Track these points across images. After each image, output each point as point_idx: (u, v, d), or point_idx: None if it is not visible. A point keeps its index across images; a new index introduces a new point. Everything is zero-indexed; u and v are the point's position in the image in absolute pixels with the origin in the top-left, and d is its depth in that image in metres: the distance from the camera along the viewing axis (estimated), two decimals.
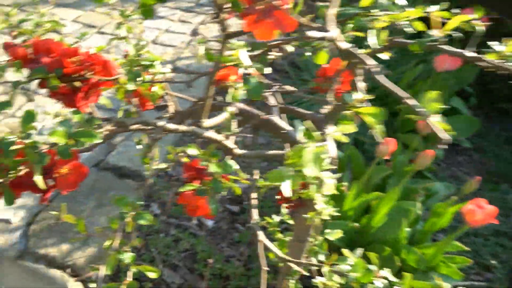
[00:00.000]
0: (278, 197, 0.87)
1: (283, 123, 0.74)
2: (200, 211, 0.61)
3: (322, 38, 0.49)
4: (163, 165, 0.85)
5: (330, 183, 0.62)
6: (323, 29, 0.49)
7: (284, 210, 1.23)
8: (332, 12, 0.49)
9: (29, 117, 0.39)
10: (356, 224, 1.32)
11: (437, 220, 1.35)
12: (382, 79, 0.48)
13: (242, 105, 0.74)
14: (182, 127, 0.58)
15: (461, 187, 1.25)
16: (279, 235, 1.16)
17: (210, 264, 1.36)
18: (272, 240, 1.36)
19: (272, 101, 0.79)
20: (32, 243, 1.33)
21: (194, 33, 2.53)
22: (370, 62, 0.49)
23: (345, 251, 0.75)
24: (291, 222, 1.14)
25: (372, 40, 0.52)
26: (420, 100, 0.71)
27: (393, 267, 1.25)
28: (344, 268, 0.63)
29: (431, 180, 1.80)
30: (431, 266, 1.30)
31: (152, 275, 0.59)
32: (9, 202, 0.54)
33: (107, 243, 0.55)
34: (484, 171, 1.98)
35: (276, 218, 1.14)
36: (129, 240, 0.57)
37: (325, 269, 0.63)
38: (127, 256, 0.55)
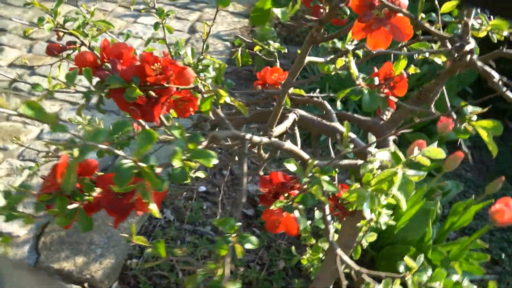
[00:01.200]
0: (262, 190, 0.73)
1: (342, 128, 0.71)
2: (282, 227, 0.58)
3: (461, 51, 0.46)
4: (201, 174, 0.81)
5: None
6: (458, 39, 0.47)
7: (317, 214, 1.21)
8: (468, 22, 0.47)
9: (148, 138, 0.35)
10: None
11: (455, 218, 1.36)
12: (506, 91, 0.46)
13: (303, 112, 0.71)
14: (265, 139, 0.55)
15: (486, 185, 1.25)
16: (312, 241, 1.14)
17: (233, 270, 1.32)
18: (304, 246, 1.34)
19: (328, 106, 0.76)
20: (43, 257, 1.26)
21: (192, 30, 2.47)
22: (496, 75, 0.47)
23: (407, 259, 0.73)
24: (322, 226, 1.12)
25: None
26: None
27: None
28: (424, 279, 0.61)
29: (438, 178, 1.82)
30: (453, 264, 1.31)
31: None
32: (87, 227, 0.50)
33: (219, 271, 0.51)
34: (484, 169, 2.02)
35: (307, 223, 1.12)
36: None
37: (409, 280, 0.61)
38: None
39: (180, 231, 1.44)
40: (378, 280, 0.72)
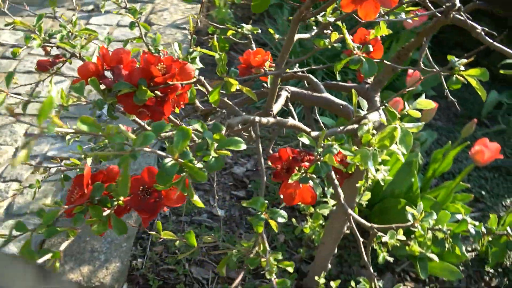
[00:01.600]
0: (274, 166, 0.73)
1: (337, 99, 0.75)
2: (298, 198, 0.61)
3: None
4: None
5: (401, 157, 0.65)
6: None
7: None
8: None
9: (184, 135, 0.37)
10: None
11: (436, 165, 1.44)
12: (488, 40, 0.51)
13: (293, 88, 0.74)
14: (271, 119, 0.57)
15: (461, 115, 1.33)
16: (311, 209, 1.19)
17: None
18: (303, 215, 1.38)
19: (314, 79, 0.79)
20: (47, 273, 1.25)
21: (148, 23, 2.43)
22: (479, 27, 0.51)
23: (410, 209, 0.79)
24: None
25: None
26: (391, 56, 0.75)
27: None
28: (431, 221, 0.66)
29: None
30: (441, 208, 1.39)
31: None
32: (122, 231, 0.51)
33: (259, 248, 0.54)
34: (452, 115, 2.13)
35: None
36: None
37: (419, 227, 0.67)
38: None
39: (178, 223, 1.46)
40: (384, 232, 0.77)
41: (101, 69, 0.56)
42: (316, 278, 1.11)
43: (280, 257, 0.56)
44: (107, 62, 0.55)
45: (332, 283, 0.89)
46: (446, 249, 0.67)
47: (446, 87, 0.59)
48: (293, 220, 1.21)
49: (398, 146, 0.60)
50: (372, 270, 0.72)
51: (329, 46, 0.56)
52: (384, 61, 0.67)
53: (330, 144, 0.51)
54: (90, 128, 0.32)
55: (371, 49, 0.59)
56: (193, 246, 0.62)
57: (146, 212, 0.54)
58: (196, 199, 0.42)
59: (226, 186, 1.62)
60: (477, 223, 0.67)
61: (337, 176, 0.92)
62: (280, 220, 0.53)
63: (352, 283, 0.88)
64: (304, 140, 0.52)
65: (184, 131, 0.38)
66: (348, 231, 1.13)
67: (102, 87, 0.54)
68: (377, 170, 0.87)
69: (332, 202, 1.13)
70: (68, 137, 0.57)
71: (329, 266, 1.20)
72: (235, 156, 1.76)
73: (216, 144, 0.42)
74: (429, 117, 1.29)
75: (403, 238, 0.85)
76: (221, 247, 0.67)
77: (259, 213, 0.53)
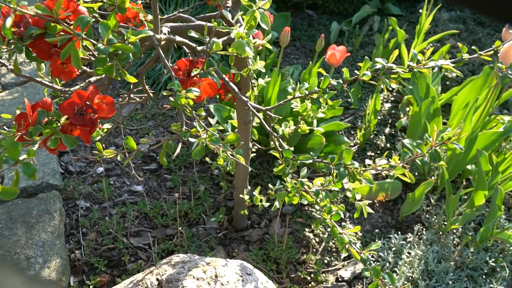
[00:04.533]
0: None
1: (209, 23, 0.91)
2: (204, 94, 0.76)
3: None
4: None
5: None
6: None
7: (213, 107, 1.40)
8: None
9: (107, 26, 0.49)
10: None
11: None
12: None
13: (171, 24, 0.88)
14: (163, 36, 0.71)
15: (314, 48, 1.60)
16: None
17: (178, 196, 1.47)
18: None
19: (187, 16, 0.94)
20: None
21: None
22: None
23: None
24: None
25: None
26: None
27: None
28: (306, 91, 0.87)
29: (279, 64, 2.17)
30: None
31: None
32: (72, 143, 0.62)
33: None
34: (308, 51, 2.44)
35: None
36: None
37: (298, 102, 0.86)
38: None
39: (103, 210, 1.52)
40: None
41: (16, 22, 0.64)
42: (241, 195, 1.28)
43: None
44: (4, 16, 0.63)
45: (254, 193, 1.06)
46: (321, 106, 0.88)
47: None
48: (207, 159, 1.35)
49: (262, 25, 0.77)
50: (276, 135, 0.90)
51: None
52: None
53: (213, 40, 0.67)
54: None
55: None
56: (134, 149, 0.73)
57: (87, 125, 0.64)
58: (131, 77, 0.55)
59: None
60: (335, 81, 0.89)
61: (230, 96, 1.09)
62: (195, 93, 0.67)
63: (270, 185, 1.06)
64: (194, 35, 0.67)
65: (105, 25, 0.50)
66: (254, 149, 1.31)
67: None
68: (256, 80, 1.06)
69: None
70: None
71: (248, 187, 1.37)
72: (135, 138, 1.84)
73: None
74: (286, 41, 1.53)
75: (293, 126, 1.06)
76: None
77: (178, 93, 0.66)
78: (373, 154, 1.80)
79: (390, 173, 0.75)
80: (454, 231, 1.46)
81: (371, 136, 1.86)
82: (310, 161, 0.83)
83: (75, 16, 0.67)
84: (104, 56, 0.49)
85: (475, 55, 0.94)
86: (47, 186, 1.56)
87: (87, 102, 0.65)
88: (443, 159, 1.65)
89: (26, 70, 2.16)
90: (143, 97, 0.91)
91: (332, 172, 0.84)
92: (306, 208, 1.55)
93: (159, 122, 1.92)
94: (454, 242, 1.43)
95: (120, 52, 0.51)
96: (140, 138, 1.82)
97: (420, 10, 2.63)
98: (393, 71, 0.86)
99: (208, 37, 0.71)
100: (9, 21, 0.46)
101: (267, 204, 1.09)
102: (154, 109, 1.99)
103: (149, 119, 1.94)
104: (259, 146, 1.30)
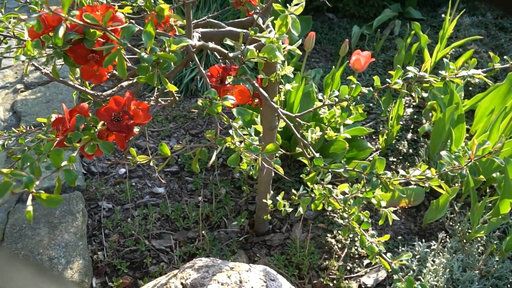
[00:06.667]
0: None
1: (238, 29, 0.91)
2: (237, 100, 0.76)
3: None
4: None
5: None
6: None
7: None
8: None
9: (149, 35, 0.50)
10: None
11: (329, 88, 1.69)
12: None
13: (202, 29, 0.89)
14: (198, 43, 0.71)
15: (334, 52, 1.59)
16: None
17: (200, 200, 1.47)
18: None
19: (217, 22, 0.94)
20: None
21: None
22: None
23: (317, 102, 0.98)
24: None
25: None
26: None
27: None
28: (336, 99, 0.86)
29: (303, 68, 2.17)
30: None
31: None
32: (109, 149, 0.62)
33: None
34: (329, 55, 2.43)
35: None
36: None
37: (326, 109, 0.86)
38: None
39: (125, 212, 1.53)
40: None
41: (45, 29, 0.65)
42: (264, 200, 1.27)
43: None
44: (49, 23, 0.64)
45: (278, 198, 1.05)
46: (352, 113, 0.87)
47: None
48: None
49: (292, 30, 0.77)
50: (306, 142, 0.89)
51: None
52: None
53: (248, 48, 0.67)
54: None
55: None
56: (167, 155, 0.73)
57: (124, 132, 0.65)
58: (171, 85, 0.55)
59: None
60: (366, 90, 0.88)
61: (258, 101, 1.09)
62: (231, 101, 0.67)
63: (293, 191, 1.06)
64: (229, 43, 0.67)
65: (149, 33, 0.50)
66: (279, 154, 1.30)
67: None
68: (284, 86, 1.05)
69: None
70: None
71: (271, 191, 1.37)
72: (156, 140, 1.85)
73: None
74: (311, 46, 1.52)
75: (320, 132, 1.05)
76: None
77: (215, 101, 0.66)
78: (395, 159, 1.78)
79: (426, 184, 0.74)
80: (479, 239, 1.44)
81: (393, 142, 1.84)
82: (342, 170, 0.82)
83: (112, 21, 0.68)
84: (147, 64, 0.49)
85: (507, 65, 0.92)
86: (70, 187, 1.58)
87: (124, 108, 0.65)
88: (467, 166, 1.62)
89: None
90: (169, 101, 0.91)
91: (362, 180, 0.83)
92: (328, 213, 1.54)
93: (180, 124, 1.93)
94: (479, 250, 1.41)
95: (161, 60, 0.51)
96: (161, 140, 1.83)
97: (443, 15, 2.59)
98: (425, 79, 0.85)
99: (243, 44, 0.71)
100: (61, 30, 0.47)
101: (290, 210, 1.08)
102: (175, 111, 2.00)
103: (170, 121, 1.95)
104: (283, 151, 1.30)
